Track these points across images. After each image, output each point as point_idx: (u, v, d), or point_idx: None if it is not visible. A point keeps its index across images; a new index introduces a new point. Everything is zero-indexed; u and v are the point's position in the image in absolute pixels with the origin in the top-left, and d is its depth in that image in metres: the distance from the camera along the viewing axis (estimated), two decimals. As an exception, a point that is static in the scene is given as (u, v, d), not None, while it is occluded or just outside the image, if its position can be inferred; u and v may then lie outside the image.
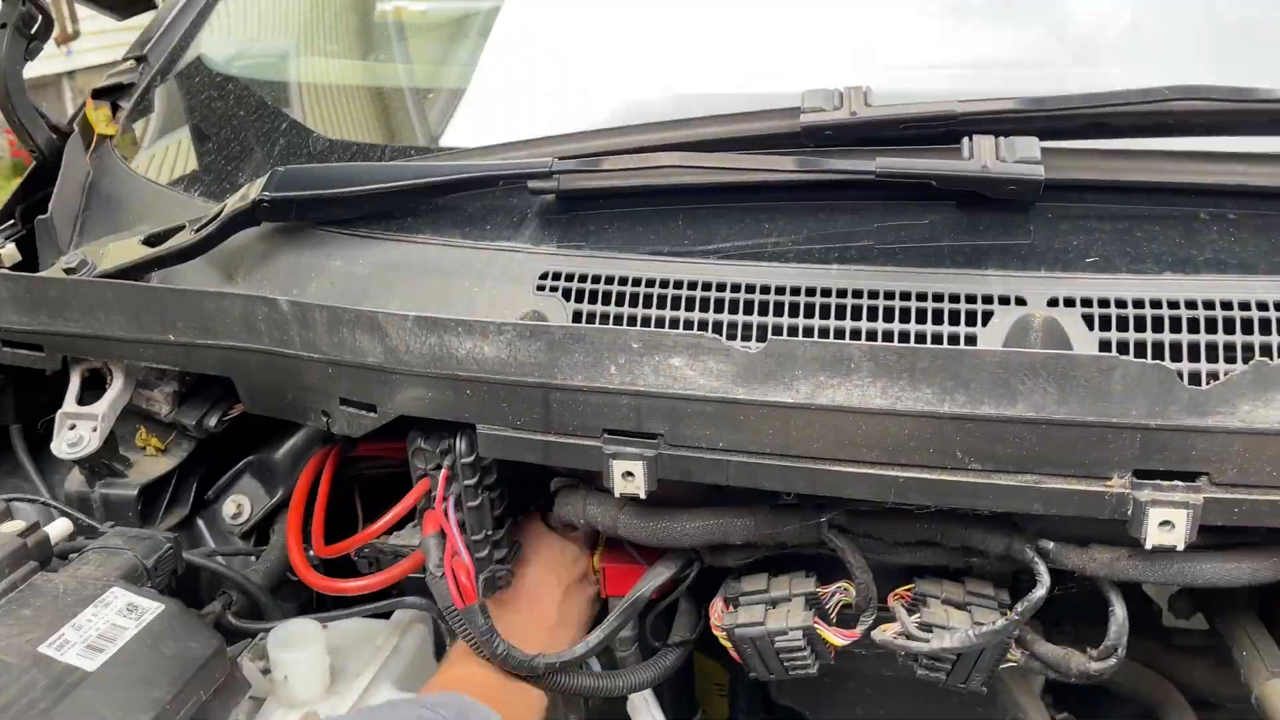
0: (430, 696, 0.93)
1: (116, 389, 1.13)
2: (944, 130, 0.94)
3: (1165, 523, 0.79)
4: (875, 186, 0.95)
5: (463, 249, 1.03)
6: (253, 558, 1.19)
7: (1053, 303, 0.85)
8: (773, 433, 0.86)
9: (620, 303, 0.94)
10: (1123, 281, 0.85)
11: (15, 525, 0.95)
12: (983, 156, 0.90)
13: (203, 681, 0.89)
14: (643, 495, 0.89)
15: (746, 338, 0.89)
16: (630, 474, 0.89)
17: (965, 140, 0.92)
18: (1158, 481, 0.79)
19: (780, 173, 0.93)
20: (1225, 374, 0.77)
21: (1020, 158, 0.89)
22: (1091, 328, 0.84)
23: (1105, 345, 0.83)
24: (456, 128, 1.36)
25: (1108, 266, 0.87)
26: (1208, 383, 0.78)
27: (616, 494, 0.90)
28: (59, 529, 0.99)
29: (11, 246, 1.30)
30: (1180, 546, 0.79)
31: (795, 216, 0.98)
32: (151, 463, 1.19)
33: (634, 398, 0.88)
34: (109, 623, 0.87)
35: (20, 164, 6.03)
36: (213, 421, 1.17)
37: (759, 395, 0.85)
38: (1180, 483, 0.79)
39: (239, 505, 1.22)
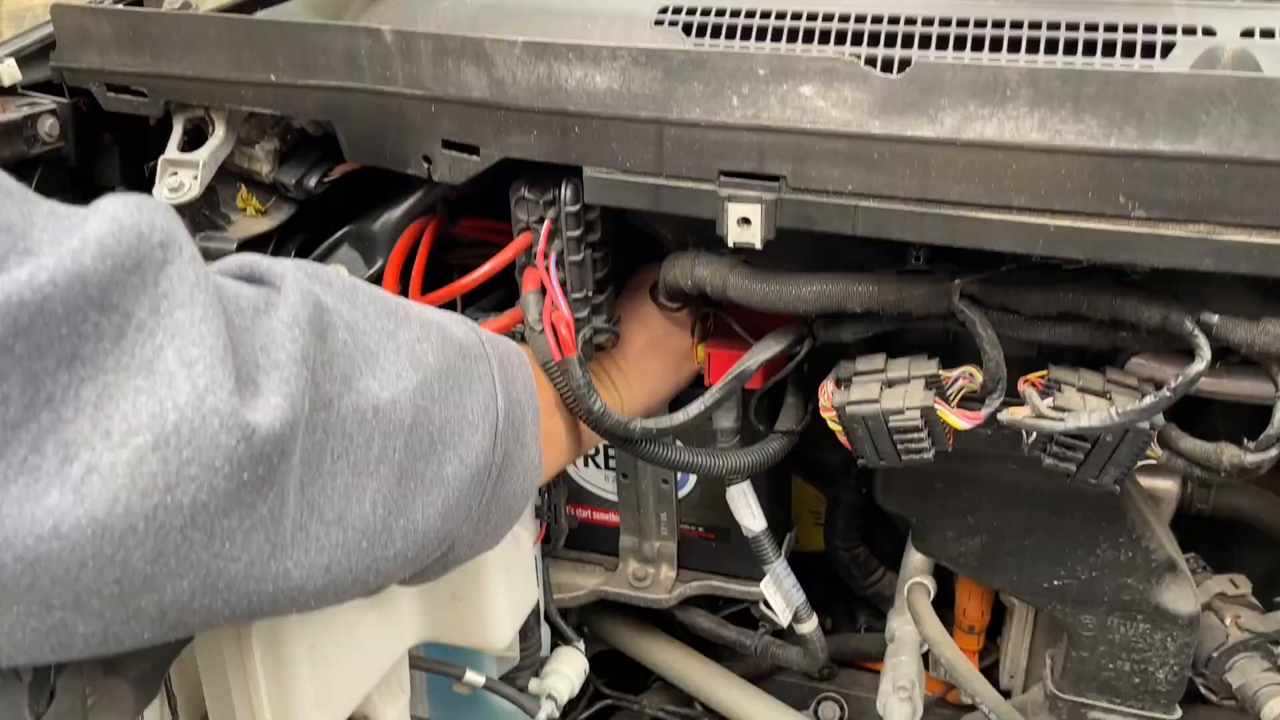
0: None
1: (218, 138, 1.10)
2: None
3: (1359, 282, 0.69)
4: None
5: (576, -17, 0.95)
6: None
7: (1247, 33, 0.74)
8: (910, 174, 0.77)
9: (746, 37, 0.86)
10: (1335, 10, 0.74)
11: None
12: None
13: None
14: (758, 244, 0.82)
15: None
16: (747, 220, 0.82)
17: None
18: (1356, 233, 0.69)
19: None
20: None
21: None
22: (1293, 60, 0.73)
23: (1309, 79, 0.72)
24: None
25: (1317, -5, 0.75)
26: None
27: (730, 243, 0.83)
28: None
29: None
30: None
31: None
32: (251, 223, 1.17)
33: (757, 133, 0.81)
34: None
35: None
36: (312, 182, 1.14)
37: (898, 129, 0.77)
38: (1385, 241, 0.69)
39: (337, 274, 1.19)
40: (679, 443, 1.04)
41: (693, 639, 1.36)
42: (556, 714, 1.13)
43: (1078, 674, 1.10)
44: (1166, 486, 1.11)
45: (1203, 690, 1.11)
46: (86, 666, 0.59)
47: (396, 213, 1.19)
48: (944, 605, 1.23)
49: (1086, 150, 0.72)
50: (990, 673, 1.24)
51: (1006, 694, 1.24)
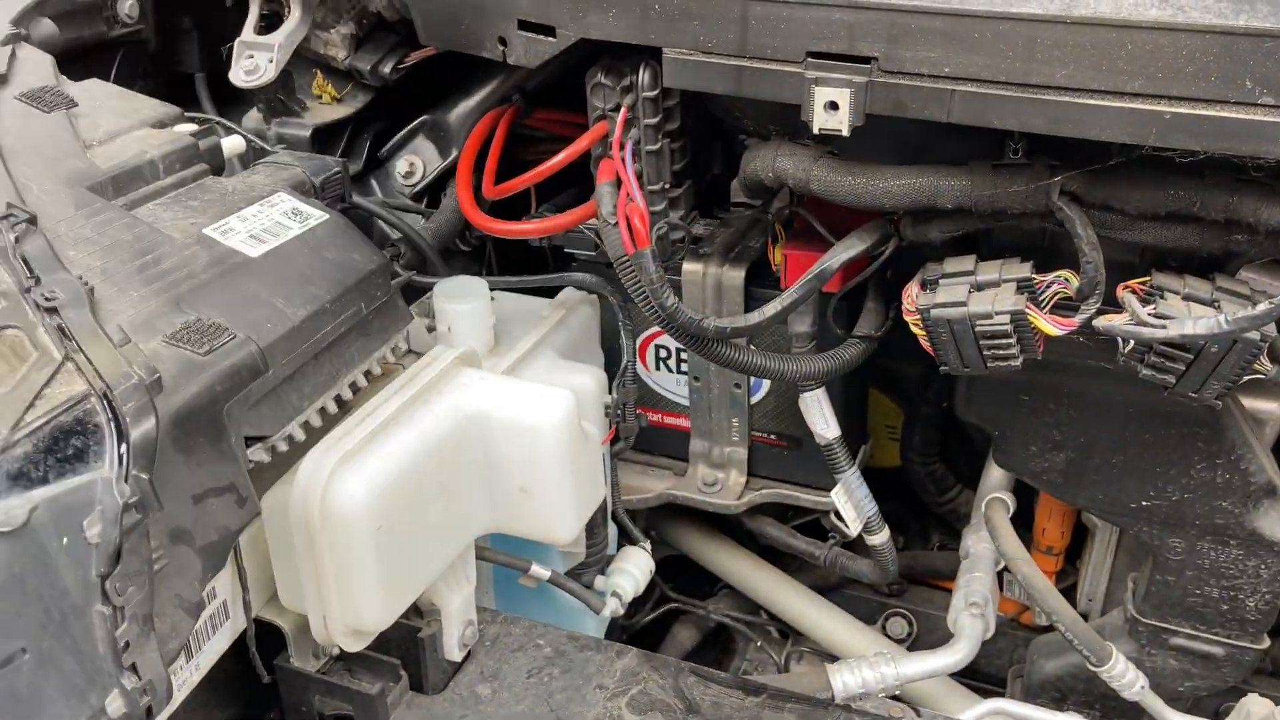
0: None
1: (294, 21, 1.08)
2: None
3: None
4: None
5: None
6: (422, 219, 1.15)
7: (1406, -100, 0.66)
8: (1012, 55, 0.72)
9: (841, -92, 0.80)
10: None
11: (188, 127, 0.92)
12: None
13: (364, 293, 0.85)
14: (845, 131, 0.78)
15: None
16: (834, 104, 0.77)
17: None
18: None
19: None
20: None
21: None
22: None
23: None
24: None
25: None
26: None
27: (816, 129, 0.79)
28: (232, 143, 0.96)
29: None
30: None
31: None
32: (327, 109, 1.15)
33: (848, 10, 0.76)
34: (274, 220, 0.84)
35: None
36: (388, 68, 1.11)
37: (1001, 5, 0.71)
38: None
39: (411, 164, 1.18)
40: (752, 346, 1.00)
41: (760, 548, 1.35)
42: (621, 610, 1.13)
43: (1161, 598, 1.06)
44: (1272, 408, 1.04)
45: (1296, 623, 1.06)
46: (154, 532, 0.59)
47: (471, 102, 1.17)
48: (1022, 526, 1.19)
49: (1212, 28, 0.66)
50: (1068, 596, 1.20)
51: (1084, 617, 1.20)
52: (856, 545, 1.20)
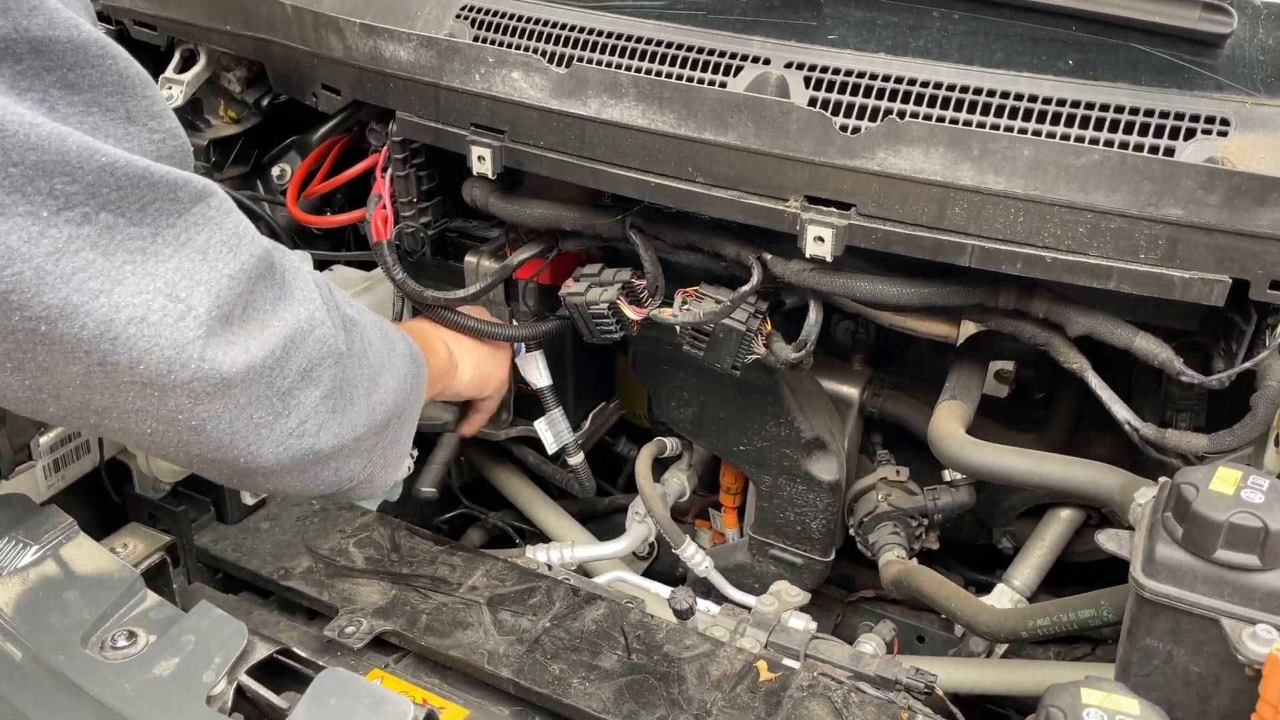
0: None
1: (200, 65, 1.56)
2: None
3: (818, 238, 1.05)
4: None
5: (418, -20, 1.36)
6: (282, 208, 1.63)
7: (789, 65, 1.10)
8: (574, 137, 1.16)
9: (506, 32, 1.25)
10: (844, 55, 1.08)
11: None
12: (779, -55, 1.13)
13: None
14: (491, 175, 1.23)
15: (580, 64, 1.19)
16: (483, 157, 1.23)
17: (776, -68, 1.15)
18: (819, 207, 1.05)
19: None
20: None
21: (806, -51, 1.12)
22: (808, 86, 1.08)
23: (813, 101, 1.07)
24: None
25: (840, 43, 1.10)
26: (865, 135, 1.02)
27: (474, 173, 1.24)
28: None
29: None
30: (828, 257, 1.05)
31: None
32: (226, 128, 1.63)
33: (489, 101, 1.21)
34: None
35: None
36: (265, 101, 1.59)
37: (566, 107, 1.16)
38: (835, 209, 1.05)
39: (282, 170, 1.65)
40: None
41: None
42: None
43: (761, 520, 1.49)
44: (847, 391, 1.47)
45: (860, 549, 1.48)
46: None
47: (325, 128, 1.63)
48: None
49: (667, 134, 1.10)
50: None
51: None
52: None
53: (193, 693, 0.86)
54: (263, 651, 0.91)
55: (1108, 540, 0.92)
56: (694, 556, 1.42)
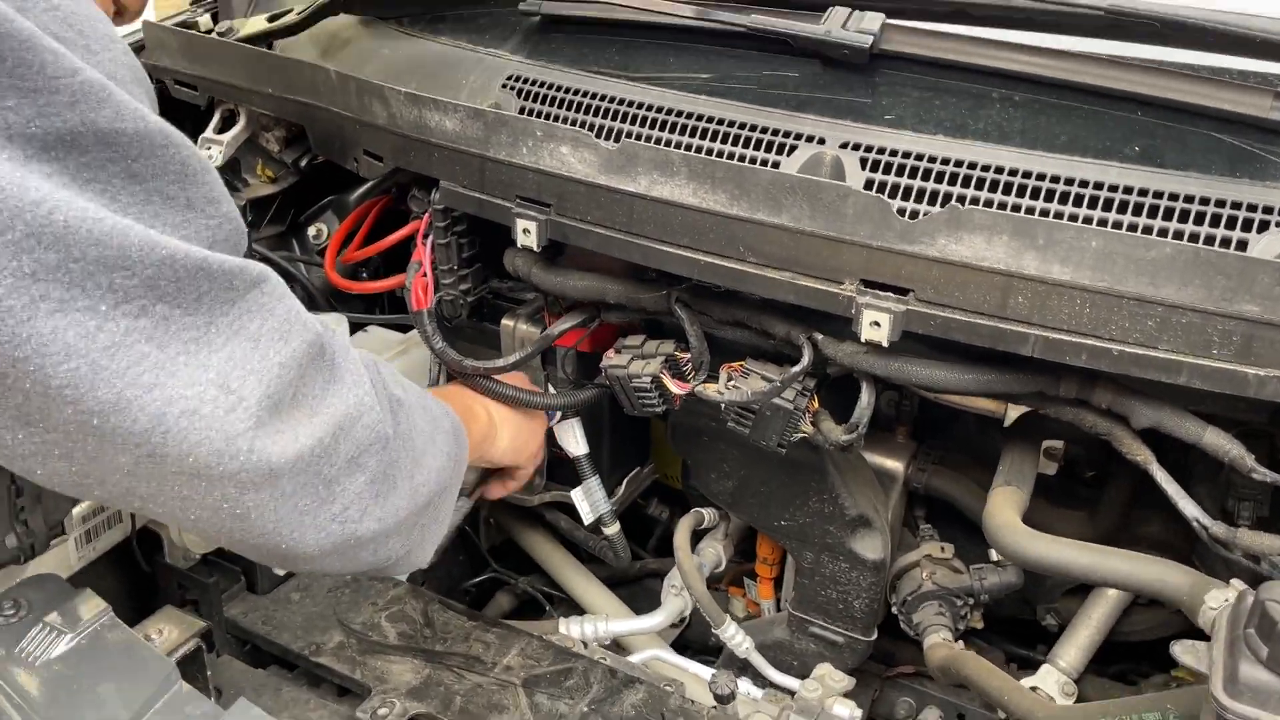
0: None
1: (240, 125, 1.55)
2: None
3: (875, 323, 1.02)
4: (754, 38, 1.18)
5: (464, 50, 1.35)
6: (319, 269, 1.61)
7: (844, 145, 1.08)
8: (622, 213, 1.14)
9: (553, 104, 1.24)
10: (903, 137, 1.06)
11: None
12: (832, 23, 1.12)
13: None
14: (536, 248, 1.21)
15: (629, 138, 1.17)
16: (528, 230, 1.21)
17: (830, 9, 1.13)
18: (876, 291, 1.03)
19: (678, 17, 1.18)
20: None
21: (860, 28, 1.10)
22: (864, 168, 1.06)
23: (870, 183, 1.05)
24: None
25: (897, 124, 1.08)
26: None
27: (519, 245, 1.22)
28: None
29: (207, 16, 1.74)
30: (885, 342, 1.02)
31: (697, 56, 1.23)
32: (263, 186, 1.62)
33: (536, 174, 1.19)
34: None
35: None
36: (304, 162, 1.58)
37: (615, 183, 1.14)
38: (892, 294, 1.02)
39: (319, 229, 1.64)
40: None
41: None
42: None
43: (802, 596, 1.45)
44: (893, 465, 1.43)
45: (903, 627, 1.44)
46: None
47: (363, 189, 1.62)
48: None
49: (719, 213, 1.08)
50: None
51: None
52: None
53: (231, 799, 0.83)
54: (302, 752, 0.88)
55: (1184, 653, 0.88)
56: (734, 637, 1.39)
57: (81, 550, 1.21)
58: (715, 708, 1.21)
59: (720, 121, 1.14)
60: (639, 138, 1.18)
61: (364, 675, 1.23)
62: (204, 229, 0.77)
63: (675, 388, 1.25)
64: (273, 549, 0.87)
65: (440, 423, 1.08)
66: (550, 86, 1.24)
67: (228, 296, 0.76)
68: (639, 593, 1.79)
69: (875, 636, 1.44)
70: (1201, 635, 0.95)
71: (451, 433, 1.10)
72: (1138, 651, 1.49)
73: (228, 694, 1.16)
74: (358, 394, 0.88)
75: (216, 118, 1.57)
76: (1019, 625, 1.56)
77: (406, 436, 0.97)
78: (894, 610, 1.43)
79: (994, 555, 1.34)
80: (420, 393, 1.07)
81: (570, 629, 1.47)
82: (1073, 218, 0.98)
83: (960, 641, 1.38)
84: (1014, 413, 1.35)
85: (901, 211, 1.01)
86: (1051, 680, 1.36)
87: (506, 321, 1.49)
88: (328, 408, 0.85)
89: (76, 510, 1.19)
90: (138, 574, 1.33)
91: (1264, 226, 0.94)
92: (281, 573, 1.37)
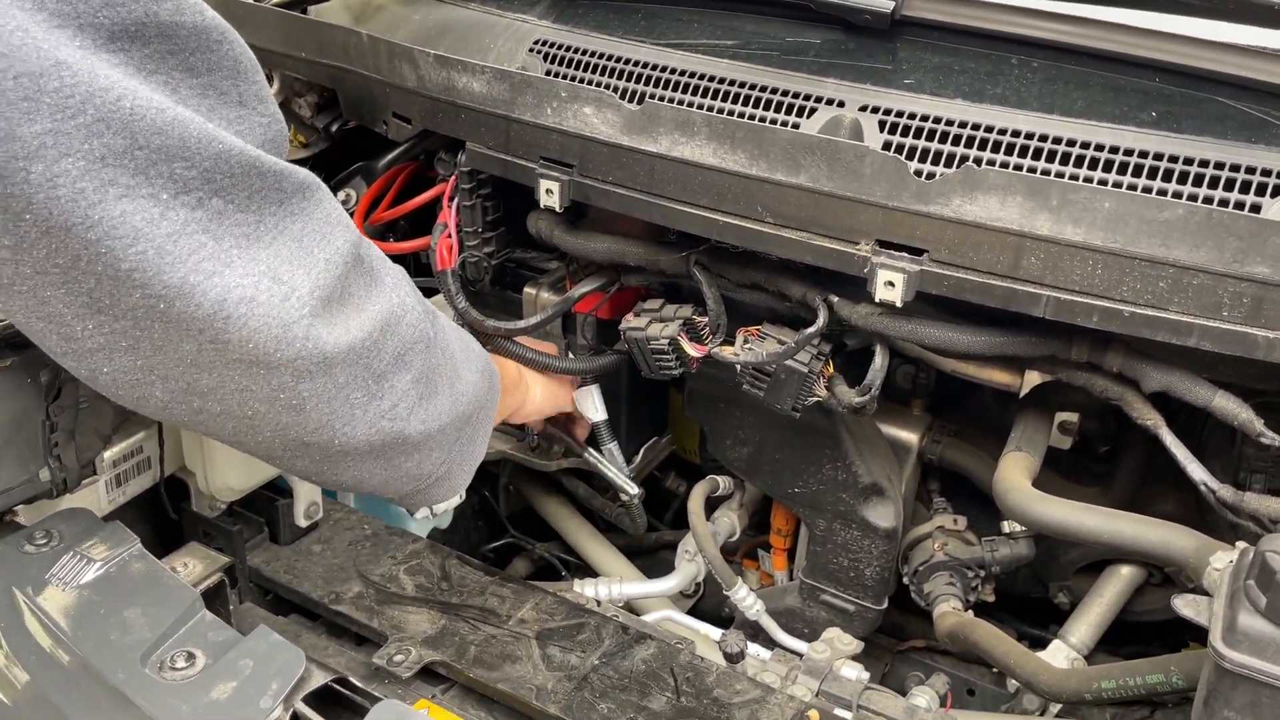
0: None
1: (274, 90, 1.58)
2: (845, -34, 1.16)
3: (889, 283, 1.04)
4: (777, 4, 1.20)
5: (493, 15, 1.37)
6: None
7: (863, 108, 1.09)
8: (643, 173, 1.16)
9: (578, 68, 1.26)
10: (921, 100, 1.08)
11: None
12: (855, -11, 1.13)
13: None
14: (558, 208, 1.23)
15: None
16: (551, 190, 1.23)
17: (853, -25, 1.15)
18: (891, 250, 1.04)
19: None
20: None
21: (882, -8, 1.12)
22: (882, 130, 1.07)
23: (888, 145, 1.07)
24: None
25: (916, 88, 1.09)
26: (941, 181, 1.00)
27: (542, 205, 1.24)
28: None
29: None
30: (898, 302, 1.04)
31: (721, 22, 1.25)
32: (296, 151, 1.65)
33: (560, 135, 1.21)
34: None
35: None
36: (335, 127, 1.61)
37: (636, 143, 1.16)
38: (907, 254, 1.04)
39: (348, 195, 1.66)
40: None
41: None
42: (432, 520, 1.57)
43: (814, 564, 1.47)
44: (907, 436, 1.45)
45: (914, 597, 1.45)
46: (81, 384, 1.07)
47: (392, 155, 1.65)
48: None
49: (738, 173, 1.09)
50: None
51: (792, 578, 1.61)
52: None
53: (249, 718, 0.85)
54: (319, 679, 0.91)
55: (1185, 606, 0.89)
56: (745, 599, 1.40)
57: (111, 494, 1.25)
58: (724, 666, 1.23)
59: (742, 84, 1.16)
60: (662, 100, 1.19)
61: (381, 624, 1.25)
62: (256, 126, 0.80)
63: (692, 350, 1.27)
64: (325, 445, 0.90)
65: (472, 345, 1.13)
66: (576, 50, 1.27)
67: (276, 198, 0.79)
68: (654, 565, 1.81)
69: (885, 605, 1.46)
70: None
71: (483, 358, 1.15)
72: (1150, 633, 1.49)
73: (248, 635, 1.19)
74: (399, 294, 0.92)
75: (251, 82, 1.60)
76: (1031, 604, 1.57)
77: (445, 346, 1.02)
78: (905, 580, 1.44)
79: (1006, 529, 1.35)
80: (450, 320, 1.11)
81: (585, 589, 1.50)
82: (1088, 180, 0.99)
83: (970, 613, 1.39)
84: (1029, 386, 1.36)
85: (918, 173, 1.02)
86: (1061, 656, 1.36)
87: (529, 289, 1.51)
88: (373, 304, 0.89)
89: (109, 453, 1.22)
90: (165, 521, 1.36)
91: (1277, 191, 0.94)
92: (304, 523, 1.40)
